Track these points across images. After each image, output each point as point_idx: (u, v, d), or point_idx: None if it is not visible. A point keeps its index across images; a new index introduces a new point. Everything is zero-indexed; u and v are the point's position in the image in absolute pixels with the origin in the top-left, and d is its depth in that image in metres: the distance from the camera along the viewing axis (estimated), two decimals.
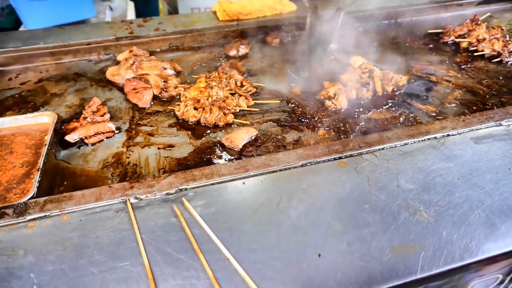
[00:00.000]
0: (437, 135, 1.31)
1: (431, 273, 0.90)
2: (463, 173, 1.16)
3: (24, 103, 1.64)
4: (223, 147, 1.38)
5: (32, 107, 1.61)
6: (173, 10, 5.20)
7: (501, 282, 1.32)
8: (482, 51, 1.99)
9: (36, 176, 1.17)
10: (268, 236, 0.97)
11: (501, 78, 1.80)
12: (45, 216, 1.03)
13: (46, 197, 1.08)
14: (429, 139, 1.30)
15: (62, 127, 1.47)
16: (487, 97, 1.66)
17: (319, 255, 0.93)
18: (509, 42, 1.98)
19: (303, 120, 1.53)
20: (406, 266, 0.91)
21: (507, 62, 1.93)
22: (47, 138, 1.33)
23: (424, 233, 0.99)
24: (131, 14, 3.61)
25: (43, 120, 1.46)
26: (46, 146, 1.29)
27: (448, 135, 1.32)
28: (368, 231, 0.99)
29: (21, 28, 3.04)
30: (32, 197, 1.10)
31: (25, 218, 1.02)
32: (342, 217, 1.02)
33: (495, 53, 1.96)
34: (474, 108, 1.59)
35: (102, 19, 3.22)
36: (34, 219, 1.02)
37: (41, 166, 1.20)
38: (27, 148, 1.35)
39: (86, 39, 2.01)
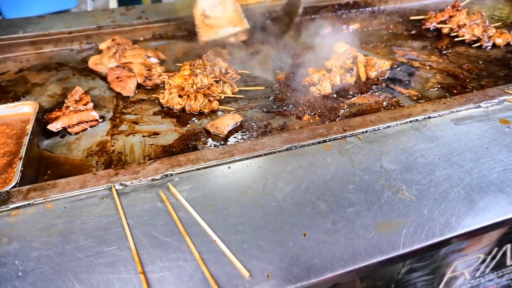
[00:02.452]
0: (419, 117, 1.34)
1: (413, 248, 0.92)
2: (444, 153, 1.19)
3: (4, 93, 1.60)
4: (209, 134, 1.38)
5: (13, 97, 1.58)
6: (157, 0, 5.13)
7: (483, 261, 1.36)
8: (463, 36, 2.03)
9: (18, 165, 1.15)
10: (254, 218, 0.99)
11: (480, 62, 1.84)
12: (29, 204, 1.02)
13: (29, 186, 1.07)
14: (411, 121, 1.33)
15: (44, 116, 1.44)
16: (467, 80, 1.70)
17: (305, 235, 0.95)
18: (489, 27, 2.02)
19: (288, 106, 1.54)
20: (389, 242, 0.93)
21: (486, 47, 1.97)
22: (29, 127, 1.31)
23: (406, 210, 1.01)
24: (113, 4, 3.55)
25: (24, 109, 1.43)
26: (28, 136, 1.26)
27: (429, 117, 1.35)
28: (352, 210, 1.01)
29: None
30: (14, 186, 1.09)
31: (8, 207, 1.01)
32: (327, 198, 1.04)
33: (475, 38, 2.00)
34: (455, 91, 1.62)
35: (83, 9, 3.17)
36: (17, 207, 1.01)
37: (23, 155, 1.18)
38: (8, 138, 1.32)
39: (67, 28, 1.98)
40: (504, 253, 1.38)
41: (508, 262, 1.44)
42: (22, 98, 1.57)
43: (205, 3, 1.88)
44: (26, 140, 1.24)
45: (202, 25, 1.89)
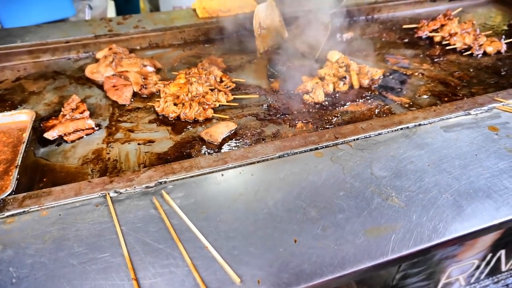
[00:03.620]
0: (409, 124, 1.36)
1: (401, 254, 0.94)
2: (433, 160, 1.21)
3: (1, 101, 1.62)
4: (203, 141, 1.40)
5: (10, 105, 1.60)
6: (155, 8, 5.18)
7: (477, 267, 1.38)
8: (454, 44, 2.06)
9: (14, 173, 1.17)
10: (245, 224, 1.00)
11: (471, 70, 1.88)
12: (24, 211, 1.04)
13: (24, 193, 1.08)
14: (401, 128, 1.35)
15: (41, 125, 1.46)
16: (458, 88, 1.73)
17: (295, 241, 0.96)
18: (479, 36, 2.05)
19: (281, 113, 1.56)
20: (378, 248, 0.95)
21: (477, 55, 2.00)
22: (25, 135, 1.33)
23: (396, 216, 1.03)
24: (111, 13, 3.59)
25: (21, 118, 1.45)
26: (25, 144, 1.28)
27: (419, 124, 1.37)
28: (342, 217, 1.03)
29: None
30: (10, 194, 1.10)
31: (3, 214, 1.02)
32: (317, 204, 1.06)
33: (466, 46, 2.04)
34: (446, 99, 1.65)
35: (81, 18, 3.20)
36: (12, 215, 1.03)
37: (19, 163, 1.20)
38: (4, 146, 1.34)
39: (64, 37, 2.00)
40: (499, 259, 1.39)
41: (503, 267, 1.46)
42: (19, 106, 1.59)
43: (261, 14, 1.91)
44: (22, 148, 1.26)
45: (259, 37, 1.93)
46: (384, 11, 2.50)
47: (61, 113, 1.49)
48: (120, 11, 4.00)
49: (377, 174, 1.16)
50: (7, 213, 1.03)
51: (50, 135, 1.39)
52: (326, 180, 1.14)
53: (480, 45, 2.01)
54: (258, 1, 1.98)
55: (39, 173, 1.27)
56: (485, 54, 2.01)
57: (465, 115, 1.42)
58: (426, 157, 1.23)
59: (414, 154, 1.24)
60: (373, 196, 1.09)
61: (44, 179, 1.24)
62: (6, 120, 1.44)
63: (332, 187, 1.12)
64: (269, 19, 2.00)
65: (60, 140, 1.41)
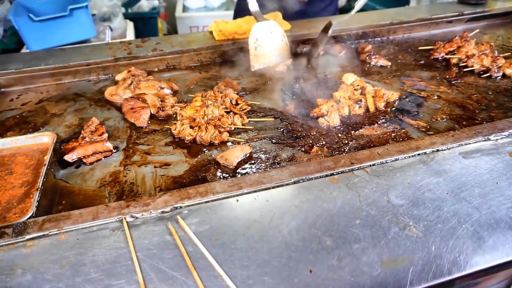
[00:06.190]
0: (426, 150, 1.34)
1: None
2: (452, 188, 1.19)
3: (24, 123, 1.68)
4: (218, 165, 1.41)
5: (33, 127, 1.65)
6: (172, 28, 5.32)
7: None
8: (472, 66, 2.04)
9: (35, 196, 1.19)
10: (260, 253, 1.00)
11: (490, 93, 1.85)
12: (44, 235, 1.06)
13: (44, 217, 1.11)
14: (419, 154, 1.33)
15: (61, 147, 1.50)
16: (477, 111, 1.70)
17: (310, 271, 0.95)
18: (498, 57, 2.02)
19: (296, 137, 1.56)
20: (395, 281, 0.93)
21: (496, 77, 1.97)
22: (47, 158, 1.36)
23: (414, 247, 1.01)
24: (130, 33, 3.70)
25: (42, 140, 1.49)
26: (45, 166, 1.32)
27: (437, 150, 1.35)
28: (358, 246, 1.01)
29: (24, 49, 3.12)
30: (31, 217, 1.13)
31: (24, 238, 1.05)
32: (333, 233, 1.05)
33: (484, 68, 2.01)
34: (464, 123, 1.62)
35: (102, 39, 3.31)
36: (32, 239, 1.05)
37: (40, 186, 1.23)
38: (26, 168, 1.38)
39: (85, 60, 2.07)
40: None
41: None
42: (41, 128, 1.64)
43: (259, 31, 1.99)
44: (43, 170, 1.29)
45: (254, 53, 2.01)
46: (400, 32, 2.50)
47: (81, 135, 1.53)
48: (138, 31, 4.12)
49: (394, 202, 1.15)
50: (27, 237, 1.05)
51: (70, 157, 1.43)
52: (341, 207, 1.13)
53: (499, 67, 1.98)
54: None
55: (58, 195, 1.30)
56: (504, 76, 1.98)
57: (485, 140, 1.39)
58: (445, 185, 1.20)
59: (432, 182, 1.22)
60: (390, 225, 1.07)
61: (63, 202, 1.27)
62: (29, 142, 1.48)
63: (348, 215, 1.10)
64: (271, 37, 2.05)
65: (79, 162, 1.44)
